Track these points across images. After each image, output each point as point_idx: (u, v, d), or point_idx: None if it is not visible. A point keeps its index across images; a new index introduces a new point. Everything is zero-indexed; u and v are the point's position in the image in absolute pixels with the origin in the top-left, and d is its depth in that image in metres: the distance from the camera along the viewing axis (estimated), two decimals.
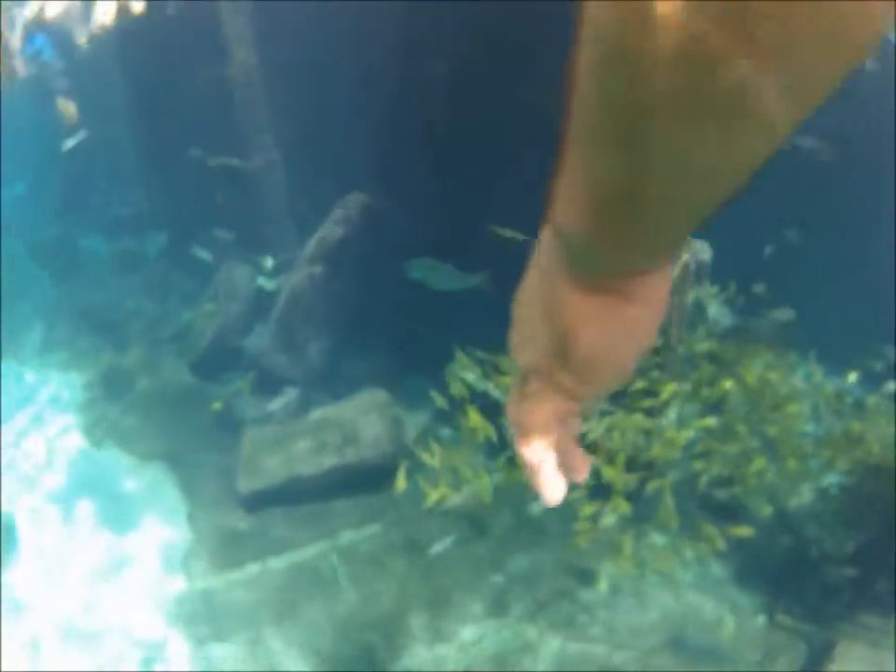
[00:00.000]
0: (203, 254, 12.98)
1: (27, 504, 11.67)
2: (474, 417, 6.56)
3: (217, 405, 10.90)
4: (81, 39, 9.57)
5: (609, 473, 6.33)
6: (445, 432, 9.83)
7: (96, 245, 18.06)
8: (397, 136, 9.70)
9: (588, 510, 6.68)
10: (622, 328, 1.01)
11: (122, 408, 12.62)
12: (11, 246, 20.41)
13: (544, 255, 1.02)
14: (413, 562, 8.53)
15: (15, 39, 5.20)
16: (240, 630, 8.53)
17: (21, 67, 4.90)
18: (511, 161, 8.72)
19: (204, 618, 8.77)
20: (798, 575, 7.48)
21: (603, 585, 7.44)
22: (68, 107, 10.46)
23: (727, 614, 7.53)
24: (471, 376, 6.92)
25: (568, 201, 0.90)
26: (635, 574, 7.18)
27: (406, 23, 9.17)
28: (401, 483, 7.32)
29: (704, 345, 7.38)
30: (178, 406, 11.96)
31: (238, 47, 11.24)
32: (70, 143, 10.92)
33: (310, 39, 10.50)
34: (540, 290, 1.04)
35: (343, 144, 10.61)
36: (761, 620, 7.50)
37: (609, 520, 6.65)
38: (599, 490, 6.75)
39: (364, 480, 9.41)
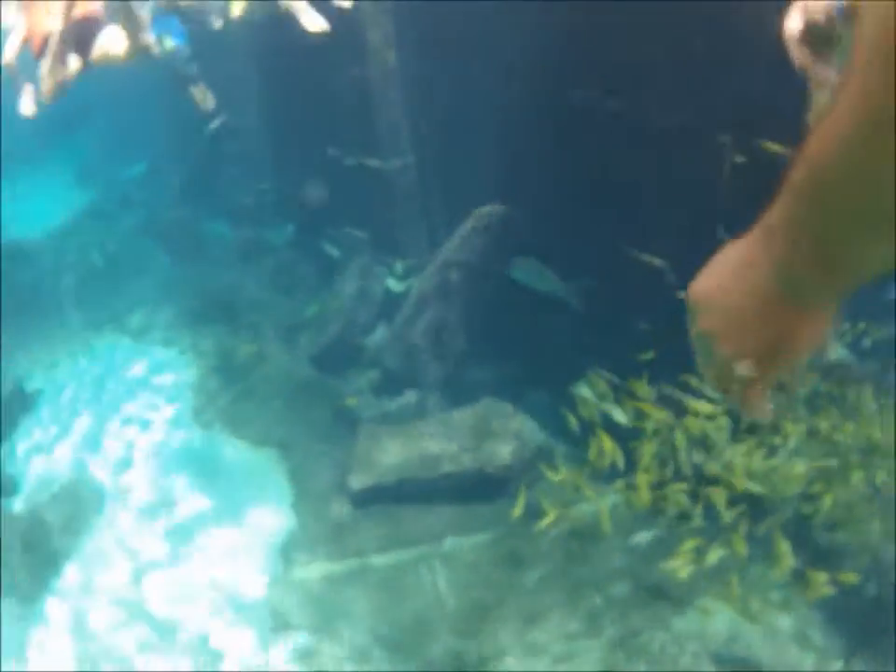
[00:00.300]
0: (332, 250, 13.69)
1: (121, 477, 12.37)
2: (606, 442, 7.14)
3: (352, 401, 11.52)
4: (217, 24, 10.30)
5: (720, 504, 6.86)
6: (563, 448, 10.19)
7: (220, 230, 18.98)
8: (535, 149, 10.12)
9: (691, 543, 7.21)
10: (816, 340, 1.54)
11: (236, 393, 13.27)
12: (130, 223, 21.75)
13: (754, 274, 1.43)
14: (516, 576, 8.95)
15: (145, 16, 5.76)
16: (330, 624, 9.05)
17: (153, 44, 5.46)
18: (646, 184, 9.16)
19: (296, 608, 9.34)
20: (878, 622, 7.77)
21: (699, 618, 8.00)
22: (203, 94, 11.28)
23: (808, 655, 7.94)
24: (602, 401, 7.47)
25: (797, 252, 1.28)
26: (731, 608, 7.65)
27: (549, 39, 9.59)
28: (520, 507, 7.79)
29: (823, 385, 7.79)
30: (295, 397, 12.58)
31: (380, 47, 11.89)
32: (212, 126, 11.77)
33: (452, 44, 11.04)
34: (749, 300, 1.46)
35: (480, 152, 10.96)
36: (838, 664, 7.85)
37: (715, 555, 7.14)
38: (708, 520, 7.26)
39: (478, 489, 9.87)
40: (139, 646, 9.55)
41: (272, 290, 15.88)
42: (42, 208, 26.69)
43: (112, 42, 5.46)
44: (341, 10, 11.11)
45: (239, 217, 18.63)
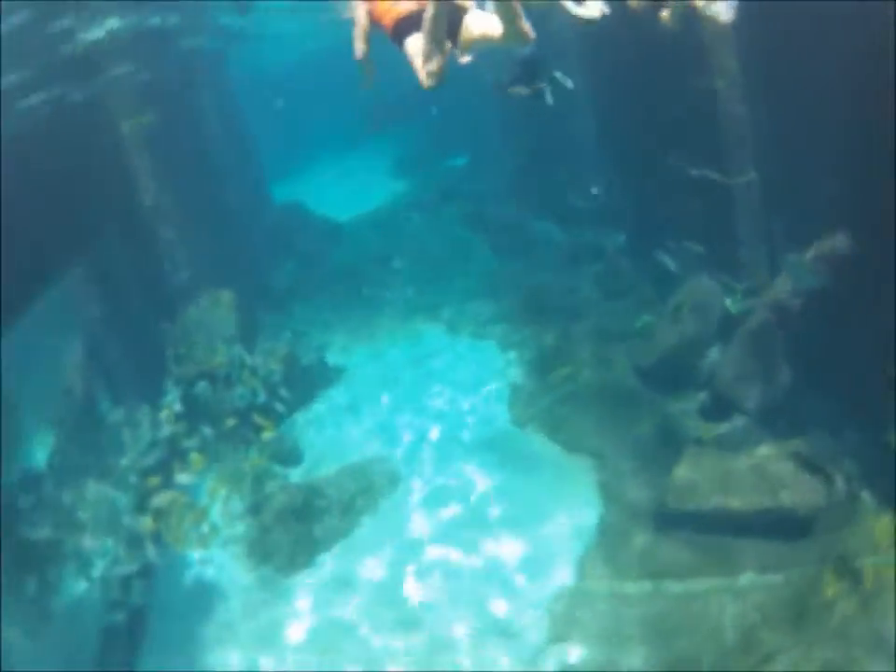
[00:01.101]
0: (669, 262, 14.15)
1: (418, 463, 13.65)
2: None
3: (709, 435, 11.71)
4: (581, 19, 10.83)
5: None
6: (872, 492, 10.17)
7: (549, 230, 20.08)
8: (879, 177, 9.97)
9: None
10: None
11: (556, 396, 14.09)
12: (452, 215, 23.30)
13: None
14: (802, 623, 9.10)
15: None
16: (606, 641, 9.72)
17: (529, 31, 5.92)
18: None
19: (578, 621, 10.05)
20: None
21: None
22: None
23: None
24: None
25: None
26: None
27: None
28: (832, 587, 8.33)
29: None
30: (617, 408, 13.18)
31: (728, 60, 12.29)
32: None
33: (805, 61, 11.03)
34: None
35: (826, 176, 11.15)
36: None
37: None
38: None
39: (785, 527, 10.10)
40: (390, 633, 10.61)
41: (601, 296, 16.64)
42: (362, 193, 29.58)
43: (487, 26, 5.97)
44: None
45: (569, 220, 19.57)
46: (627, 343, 14.43)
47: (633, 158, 15.75)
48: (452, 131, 28.57)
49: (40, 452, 13.06)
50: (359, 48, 7.29)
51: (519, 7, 5.59)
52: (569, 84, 11.39)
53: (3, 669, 9.48)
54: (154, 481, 12.03)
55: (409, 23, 6.29)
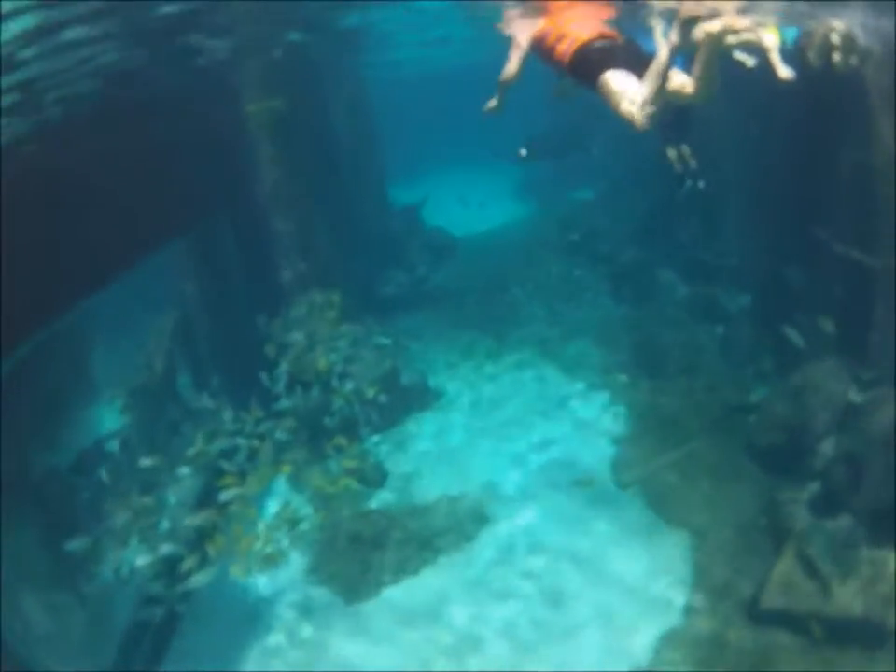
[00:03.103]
0: (796, 337, 13.87)
1: (512, 504, 13.64)
2: None
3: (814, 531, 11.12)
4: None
5: None
6: None
7: (673, 281, 19.83)
8: None
9: None
10: None
11: (663, 462, 13.85)
12: (573, 248, 23.17)
13: None
14: None
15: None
16: None
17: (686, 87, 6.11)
18: None
19: None
20: None
21: None
22: (679, 157, 11.64)
23: None
24: None
25: None
26: None
27: None
28: None
29: None
30: (727, 484, 12.94)
31: (888, 136, 11.76)
32: (685, 186, 12.09)
33: None
34: None
35: None
36: None
37: None
38: None
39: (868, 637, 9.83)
40: None
41: (719, 361, 16.32)
42: (482, 211, 30.28)
43: (682, 82, 6.18)
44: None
45: (693, 273, 19.27)
46: (742, 416, 14.18)
47: (773, 220, 15.47)
48: (579, 162, 28.43)
49: (107, 426, 13.50)
50: (511, 70, 7.38)
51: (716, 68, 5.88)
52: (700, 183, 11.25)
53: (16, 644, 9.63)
54: (226, 481, 12.06)
55: (593, 54, 6.64)
